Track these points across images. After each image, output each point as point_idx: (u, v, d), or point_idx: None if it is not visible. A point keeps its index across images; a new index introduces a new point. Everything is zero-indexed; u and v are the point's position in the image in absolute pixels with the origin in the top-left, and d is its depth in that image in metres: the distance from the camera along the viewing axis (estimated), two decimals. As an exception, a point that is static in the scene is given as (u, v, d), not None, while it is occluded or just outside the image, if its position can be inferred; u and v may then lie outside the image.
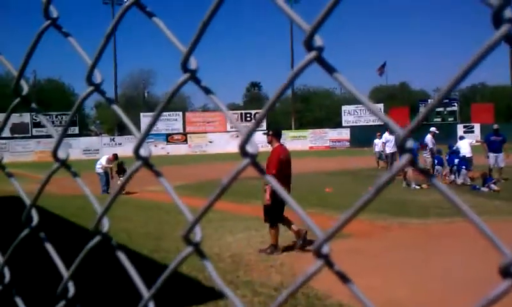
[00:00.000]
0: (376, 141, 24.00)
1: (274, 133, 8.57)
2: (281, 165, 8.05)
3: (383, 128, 26.28)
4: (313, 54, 0.55)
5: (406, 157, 0.49)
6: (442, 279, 6.45)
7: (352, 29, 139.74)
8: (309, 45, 0.55)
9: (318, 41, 0.55)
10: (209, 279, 6.57)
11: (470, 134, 47.35)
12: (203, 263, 0.64)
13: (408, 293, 6.02)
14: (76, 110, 1.04)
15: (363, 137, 47.63)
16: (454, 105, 55.47)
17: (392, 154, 20.22)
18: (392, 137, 20.96)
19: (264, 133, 8.61)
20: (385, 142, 20.95)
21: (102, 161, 17.93)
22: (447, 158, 17.74)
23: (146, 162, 0.73)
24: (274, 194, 7.67)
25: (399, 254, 7.92)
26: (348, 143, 54.89)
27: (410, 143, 0.49)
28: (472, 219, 0.45)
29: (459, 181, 16.48)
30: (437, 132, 18.39)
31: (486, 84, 75.91)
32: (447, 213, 10.23)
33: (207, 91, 0.67)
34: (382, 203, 10.91)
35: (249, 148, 0.63)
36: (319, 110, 70.77)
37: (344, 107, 58.96)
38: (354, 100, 72.00)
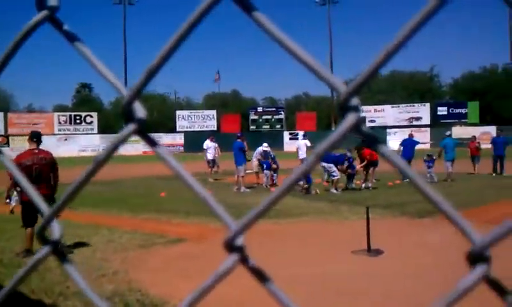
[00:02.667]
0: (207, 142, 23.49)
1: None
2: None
3: (213, 135, 26.85)
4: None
5: (351, 117, 0.45)
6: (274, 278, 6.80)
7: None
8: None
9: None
10: (36, 293, 6.12)
11: (295, 141, 50.92)
12: (64, 266, 0.59)
13: (239, 293, 6.25)
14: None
15: (196, 142, 48.28)
16: (281, 114, 59.04)
17: (213, 160, 21.42)
18: (213, 144, 21.77)
19: None
20: (206, 149, 21.85)
21: None
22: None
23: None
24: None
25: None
26: (182, 148, 55.15)
27: (355, 101, 0.45)
28: (441, 206, 0.43)
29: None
30: (266, 149, 19.11)
31: (309, 94, 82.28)
32: (280, 214, 10.86)
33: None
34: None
35: (137, 113, 0.55)
36: (152, 115, 69.98)
37: (178, 112, 59.21)
38: (188, 106, 72.18)
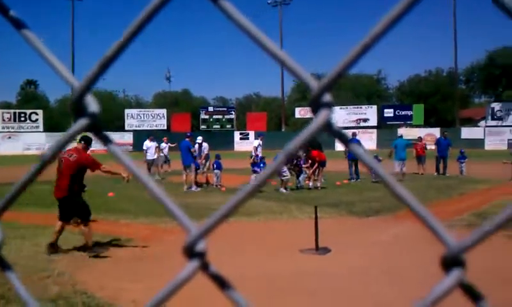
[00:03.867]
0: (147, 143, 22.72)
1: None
2: None
3: (163, 134, 26.44)
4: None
5: (323, 114, 0.43)
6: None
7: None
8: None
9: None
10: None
11: (246, 141, 51.12)
12: (4, 273, 0.55)
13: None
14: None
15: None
16: (232, 113, 59.03)
17: (153, 161, 21.09)
18: (152, 144, 21.43)
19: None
20: (146, 150, 21.45)
21: None
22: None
23: None
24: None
25: (179, 258, 8.08)
26: (131, 147, 54.18)
27: (327, 97, 0.43)
28: (416, 209, 0.42)
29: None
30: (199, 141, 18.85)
31: (259, 94, 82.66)
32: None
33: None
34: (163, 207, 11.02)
35: (90, 107, 0.53)
36: (101, 113, 68.28)
37: (127, 111, 58.16)
38: (137, 104, 71.08)
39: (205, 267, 0.47)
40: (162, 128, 55.09)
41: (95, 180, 20.65)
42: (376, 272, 6.91)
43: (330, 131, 0.41)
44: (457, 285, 0.38)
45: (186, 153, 17.44)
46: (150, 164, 21.29)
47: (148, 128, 54.43)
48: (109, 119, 61.32)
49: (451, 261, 0.38)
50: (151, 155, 21.19)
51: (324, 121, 0.41)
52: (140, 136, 53.44)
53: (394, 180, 0.41)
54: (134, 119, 57.08)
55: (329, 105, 0.42)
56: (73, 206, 8.19)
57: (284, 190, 16.29)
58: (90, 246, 8.08)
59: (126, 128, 56.61)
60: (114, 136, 45.32)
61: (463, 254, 0.37)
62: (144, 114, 57.89)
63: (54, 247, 8.10)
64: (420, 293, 0.50)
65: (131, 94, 79.20)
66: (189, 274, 0.47)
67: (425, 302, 0.39)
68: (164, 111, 58.38)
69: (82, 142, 8.52)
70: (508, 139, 44.21)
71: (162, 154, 23.58)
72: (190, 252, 0.47)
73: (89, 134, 0.54)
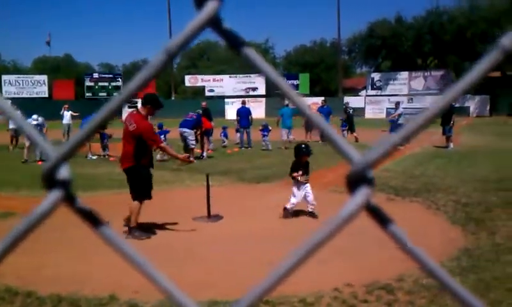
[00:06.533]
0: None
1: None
2: None
3: (44, 102, 24.64)
4: None
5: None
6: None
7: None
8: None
9: None
10: None
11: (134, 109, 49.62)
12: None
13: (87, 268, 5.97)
14: None
15: (25, 109, 44.42)
16: (119, 80, 56.77)
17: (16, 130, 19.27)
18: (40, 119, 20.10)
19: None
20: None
21: None
22: None
23: None
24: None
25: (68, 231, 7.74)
26: (8, 116, 50.42)
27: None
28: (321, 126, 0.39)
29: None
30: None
31: (147, 61, 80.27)
32: (122, 185, 10.52)
33: None
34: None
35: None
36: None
37: (4, 77, 53.69)
38: (15, 70, 65.92)
39: (69, 199, 0.38)
40: (43, 96, 51.78)
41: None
42: (270, 237, 7.10)
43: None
44: (363, 206, 0.35)
45: None
46: (13, 133, 20.01)
47: (28, 96, 50.89)
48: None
49: (357, 179, 0.35)
50: (13, 124, 19.82)
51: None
52: (19, 105, 49.76)
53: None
54: (11, 86, 52.83)
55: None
56: (134, 177, 7.18)
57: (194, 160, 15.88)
58: (132, 227, 7.09)
59: (4, 95, 52.38)
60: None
61: (370, 169, 0.35)
62: (23, 81, 53.83)
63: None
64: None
65: (8, 60, 73.46)
66: (49, 206, 0.38)
67: (330, 226, 0.36)
68: (45, 77, 54.60)
69: (148, 105, 7.33)
70: (386, 108, 47.04)
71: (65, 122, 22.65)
72: (49, 180, 0.38)
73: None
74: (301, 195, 8.17)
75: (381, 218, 0.35)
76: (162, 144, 7.48)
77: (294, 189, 8.25)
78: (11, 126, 19.61)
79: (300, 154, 8.40)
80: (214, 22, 0.35)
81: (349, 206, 0.36)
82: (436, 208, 8.73)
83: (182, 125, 16.12)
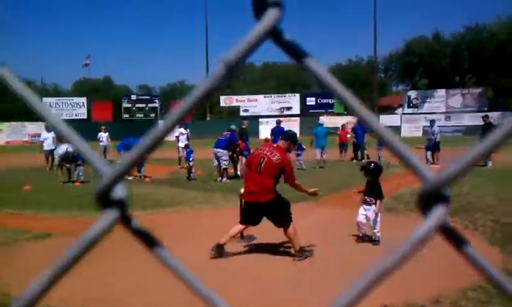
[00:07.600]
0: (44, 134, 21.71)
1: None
2: None
3: (83, 124, 25.27)
4: None
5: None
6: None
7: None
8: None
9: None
10: None
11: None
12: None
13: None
14: None
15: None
16: (155, 102, 57.75)
17: (51, 151, 19.76)
18: (49, 135, 20.50)
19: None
20: (43, 141, 21.23)
21: None
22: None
23: None
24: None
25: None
26: (49, 138, 51.83)
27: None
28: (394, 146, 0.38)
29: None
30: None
31: (184, 82, 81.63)
32: (156, 206, 10.73)
33: None
34: (86, 199, 10.66)
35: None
36: (16, 102, 64.71)
37: (44, 99, 55.18)
38: (56, 93, 67.56)
39: (125, 219, 0.37)
40: (82, 117, 53.08)
41: (10, 173, 19.62)
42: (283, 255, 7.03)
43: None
44: (438, 228, 0.32)
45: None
46: (47, 154, 20.66)
47: (68, 117, 52.20)
48: (25, 109, 57.94)
49: (431, 197, 0.32)
50: (47, 145, 20.58)
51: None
52: (59, 126, 50.95)
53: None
54: (52, 108, 54.15)
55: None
56: (277, 208, 7.25)
57: (227, 181, 15.81)
58: (298, 249, 7.16)
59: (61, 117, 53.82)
60: (31, 127, 42.58)
61: (446, 186, 0.32)
62: (63, 103, 55.38)
63: (221, 249, 7.28)
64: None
65: (49, 83, 75.69)
66: (105, 227, 0.36)
67: (402, 251, 0.33)
68: (84, 100, 56.09)
69: (289, 140, 7.47)
70: (423, 126, 46.24)
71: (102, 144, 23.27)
72: (104, 199, 0.36)
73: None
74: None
75: (457, 239, 0.32)
76: (296, 181, 7.42)
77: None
78: (45, 148, 20.37)
79: (378, 174, 8.09)
80: (274, 33, 0.33)
81: (423, 228, 0.33)
82: (473, 228, 8.48)
83: (216, 145, 16.16)
